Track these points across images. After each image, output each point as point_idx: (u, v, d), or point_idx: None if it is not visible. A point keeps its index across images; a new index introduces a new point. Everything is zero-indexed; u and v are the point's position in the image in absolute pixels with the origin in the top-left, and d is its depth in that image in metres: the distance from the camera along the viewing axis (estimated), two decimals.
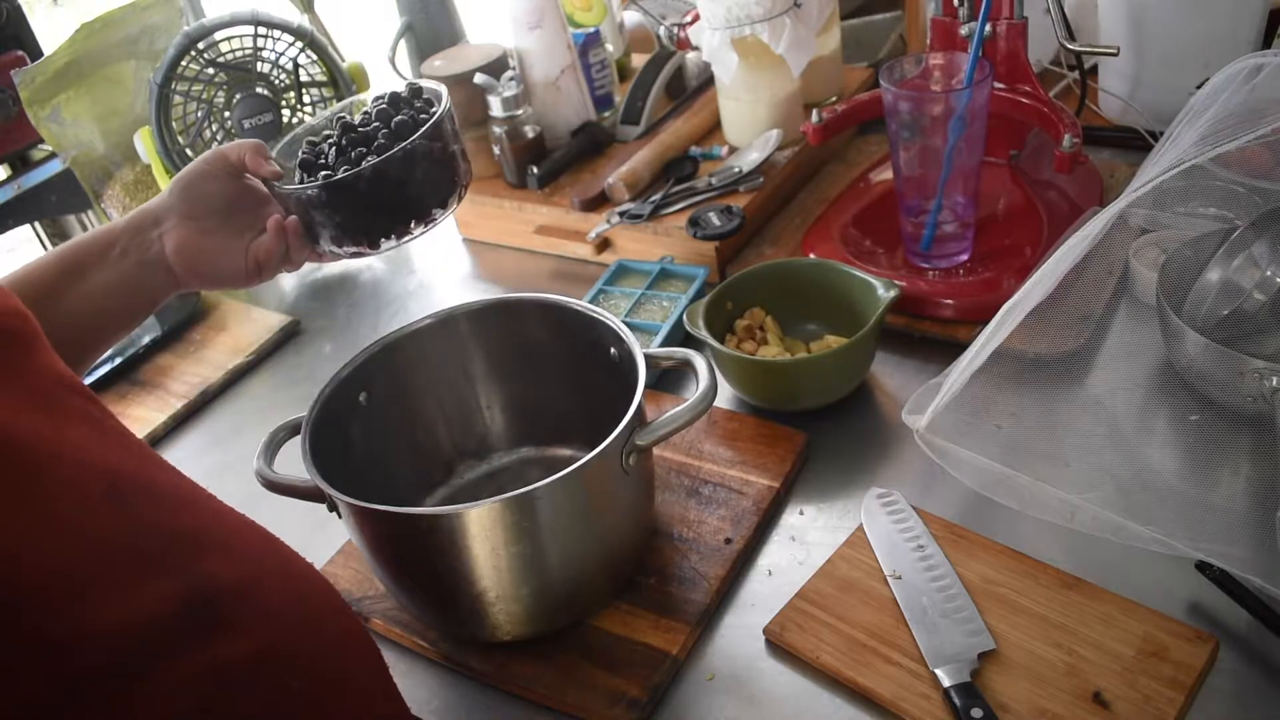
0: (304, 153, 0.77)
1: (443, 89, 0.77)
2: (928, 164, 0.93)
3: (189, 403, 1.09)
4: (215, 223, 0.74)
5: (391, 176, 0.72)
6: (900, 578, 0.72)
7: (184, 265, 0.73)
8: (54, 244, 2.17)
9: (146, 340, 1.19)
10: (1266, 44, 1.11)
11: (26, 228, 2.00)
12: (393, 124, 0.75)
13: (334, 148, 0.76)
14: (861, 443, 0.87)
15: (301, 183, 0.74)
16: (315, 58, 1.24)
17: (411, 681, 0.75)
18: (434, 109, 0.76)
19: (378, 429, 0.81)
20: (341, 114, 0.79)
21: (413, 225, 0.75)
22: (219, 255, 0.75)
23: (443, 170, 0.76)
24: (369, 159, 0.72)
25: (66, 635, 0.43)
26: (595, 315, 0.79)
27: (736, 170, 1.13)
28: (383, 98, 0.78)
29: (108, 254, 0.72)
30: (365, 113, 0.78)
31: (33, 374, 0.50)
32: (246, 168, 0.74)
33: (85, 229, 2.09)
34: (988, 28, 0.91)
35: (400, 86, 0.79)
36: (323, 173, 0.74)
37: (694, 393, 0.71)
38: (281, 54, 1.21)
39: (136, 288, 0.73)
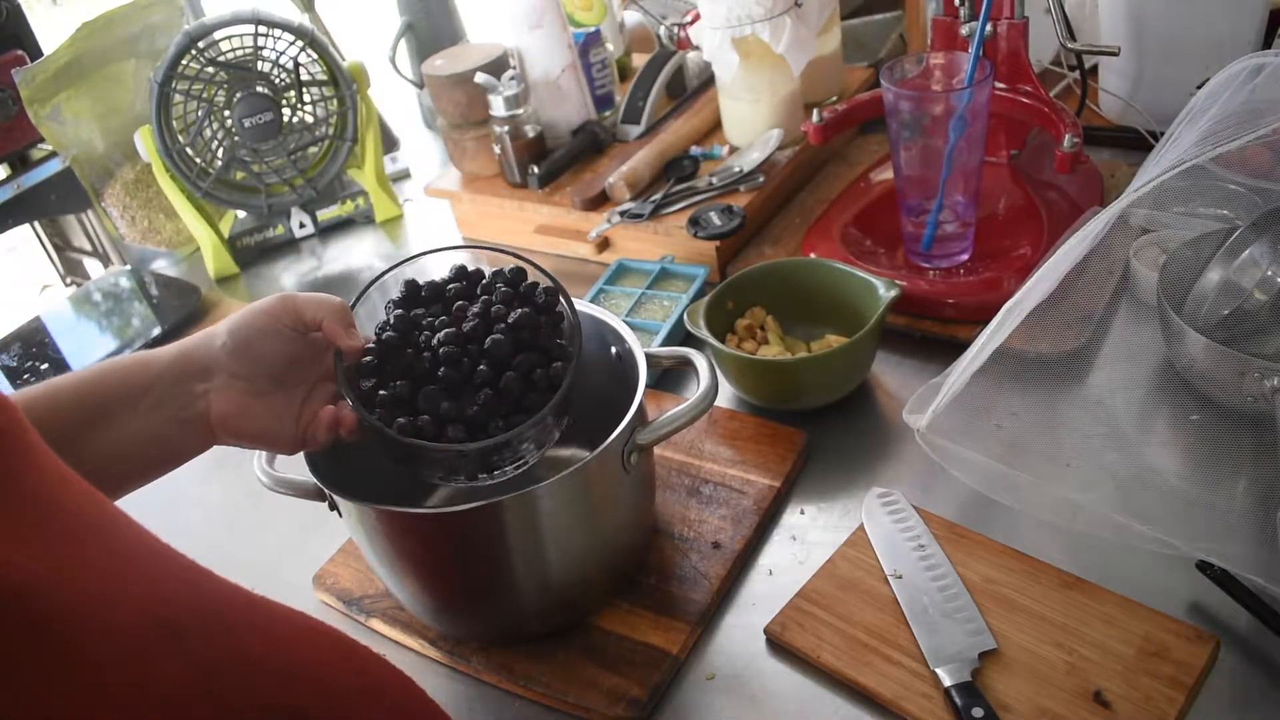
0: (387, 329, 0.68)
1: (564, 295, 0.69)
2: (928, 164, 0.93)
3: None
4: (268, 384, 0.65)
5: (498, 447, 0.65)
6: (901, 577, 0.72)
7: (227, 428, 0.64)
8: (54, 244, 2.17)
9: (154, 334, 1.19)
10: (1267, 44, 1.11)
11: (26, 227, 2.00)
12: (511, 372, 0.66)
13: (428, 350, 0.66)
14: (862, 442, 0.87)
15: (380, 399, 0.65)
16: (316, 57, 1.24)
17: None
18: (561, 335, 0.68)
19: None
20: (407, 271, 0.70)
21: (496, 473, 0.67)
22: (268, 420, 0.65)
23: (555, 417, 0.67)
24: (473, 406, 0.64)
25: None
26: (596, 315, 0.79)
27: (737, 170, 1.13)
28: (497, 279, 0.69)
29: (140, 400, 0.62)
30: (459, 289, 0.69)
31: (34, 488, 0.38)
32: (320, 331, 0.66)
33: (85, 229, 2.09)
34: (988, 27, 0.91)
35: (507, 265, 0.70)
36: (404, 422, 0.64)
37: (695, 392, 0.71)
38: (282, 53, 1.21)
39: (168, 444, 0.64)
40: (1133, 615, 0.66)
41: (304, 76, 1.24)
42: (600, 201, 1.16)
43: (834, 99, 1.26)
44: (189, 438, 0.64)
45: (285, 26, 1.19)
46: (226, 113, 1.21)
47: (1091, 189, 1.06)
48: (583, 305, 0.80)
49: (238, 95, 1.20)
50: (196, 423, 0.64)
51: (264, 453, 0.75)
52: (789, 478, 0.83)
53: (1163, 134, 0.79)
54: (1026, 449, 0.78)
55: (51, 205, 1.85)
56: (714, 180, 1.13)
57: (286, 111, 1.24)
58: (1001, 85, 0.98)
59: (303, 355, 0.67)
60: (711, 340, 0.89)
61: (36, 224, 2.08)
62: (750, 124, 1.18)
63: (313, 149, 1.30)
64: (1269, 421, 0.73)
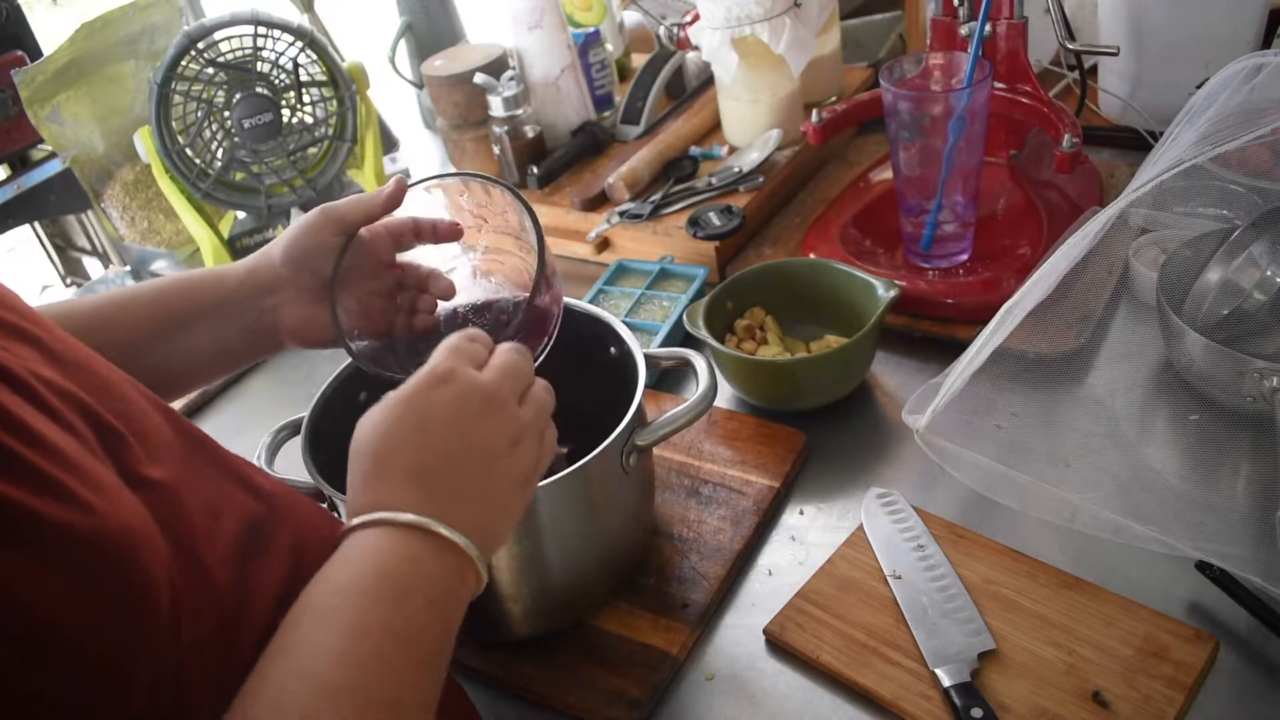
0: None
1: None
2: (928, 164, 0.93)
3: (189, 402, 1.09)
4: (327, 292, 0.69)
5: None
6: (900, 578, 0.72)
7: (296, 337, 0.70)
8: (54, 244, 2.17)
9: None
10: (1266, 44, 1.11)
11: (26, 227, 2.00)
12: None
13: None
14: (861, 443, 0.87)
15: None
16: (315, 57, 1.24)
17: None
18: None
19: None
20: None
21: None
22: (331, 325, 0.69)
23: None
24: None
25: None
26: (595, 315, 0.79)
27: (736, 170, 1.13)
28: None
29: (214, 313, 0.68)
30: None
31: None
32: (365, 222, 0.69)
33: (85, 229, 2.09)
34: (988, 27, 0.91)
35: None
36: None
37: (694, 393, 0.71)
38: (281, 54, 1.21)
39: (238, 352, 0.71)
40: (1132, 615, 0.66)
41: (303, 77, 1.23)
42: (600, 202, 1.16)
43: (833, 99, 1.26)
44: (259, 346, 0.71)
45: (284, 27, 1.19)
46: (226, 114, 1.21)
47: (1091, 189, 1.06)
48: (582, 305, 0.80)
49: (237, 96, 1.20)
50: (266, 334, 0.69)
51: (264, 453, 0.75)
52: (788, 478, 0.83)
53: (1162, 134, 0.79)
54: (1026, 449, 0.78)
55: (51, 205, 1.85)
56: (713, 180, 1.13)
57: (286, 112, 1.24)
58: (1001, 85, 0.98)
59: (354, 259, 0.69)
60: (711, 340, 0.89)
61: (37, 224, 2.08)
62: (749, 124, 1.18)
63: (312, 150, 1.30)
64: (1269, 421, 0.73)
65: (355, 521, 0.49)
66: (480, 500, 0.52)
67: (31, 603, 0.35)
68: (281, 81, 1.22)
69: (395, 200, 0.68)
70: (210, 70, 1.18)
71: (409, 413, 0.52)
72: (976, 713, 0.62)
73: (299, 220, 0.69)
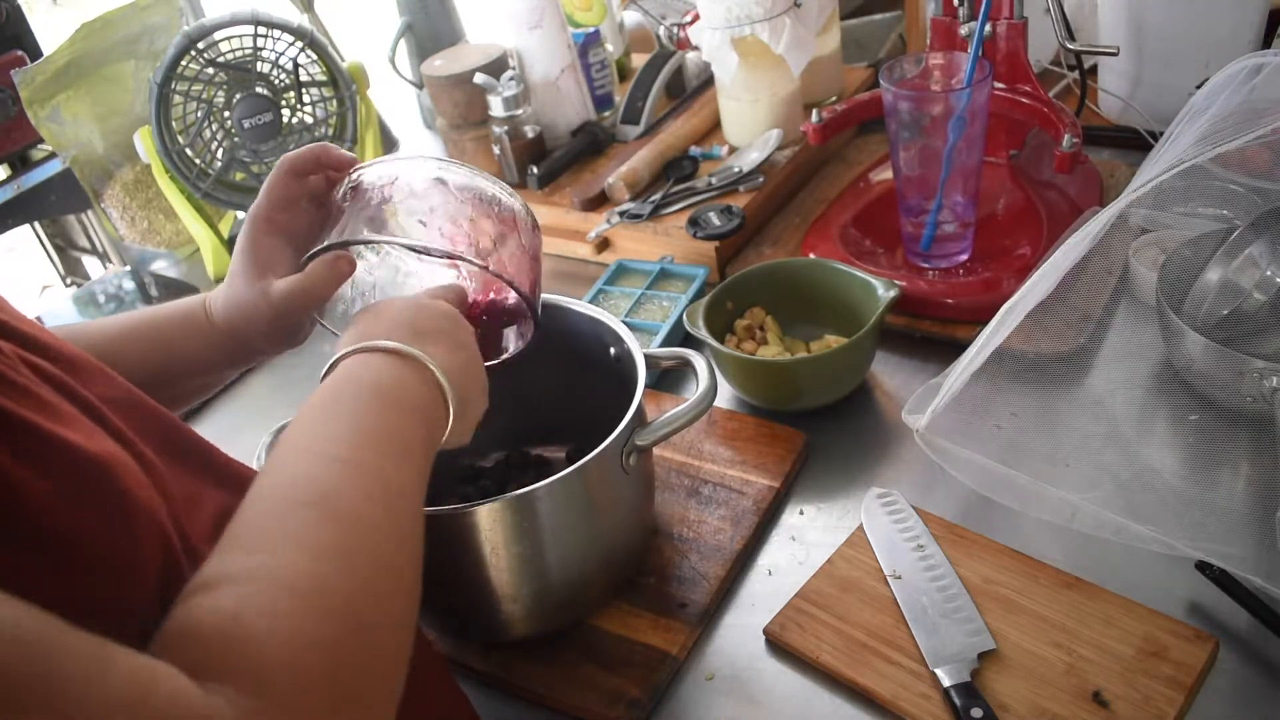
0: None
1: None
2: (927, 164, 0.93)
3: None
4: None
5: None
6: (900, 577, 0.72)
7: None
8: (54, 244, 2.17)
9: None
10: (1266, 44, 1.11)
11: (26, 227, 2.00)
12: None
13: None
14: (861, 443, 0.87)
15: None
16: (315, 57, 1.24)
17: None
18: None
19: None
20: None
21: None
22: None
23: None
24: None
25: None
26: (595, 315, 0.79)
27: (736, 170, 1.13)
28: None
29: (202, 372, 0.71)
30: None
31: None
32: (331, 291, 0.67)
33: (85, 229, 2.09)
34: (988, 27, 0.91)
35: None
36: None
37: (694, 393, 0.71)
38: (281, 54, 1.21)
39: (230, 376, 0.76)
40: (1132, 615, 0.66)
41: (303, 77, 1.23)
42: (600, 202, 1.16)
43: (833, 99, 1.26)
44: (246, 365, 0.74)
45: (284, 27, 1.19)
46: (226, 114, 1.21)
47: (1091, 189, 1.06)
48: (582, 306, 0.80)
49: (237, 96, 1.20)
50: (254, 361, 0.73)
51: (264, 453, 0.75)
52: (788, 478, 0.83)
53: (1162, 134, 0.79)
54: (1026, 449, 0.78)
55: (51, 205, 1.85)
56: (713, 180, 1.13)
57: (286, 112, 1.24)
58: (1000, 85, 0.98)
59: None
60: (711, 341, 0.89)
61: (37, 224, 2.08)
62: (749, 124, 1.18)
63: None
64: (1268, 421, 0.73)
65: (333, 358, 0.56)
66: (443, 342, 0.58)
67: (36, 506, 0.37)
68: (281, 81, 1.22)
69: (341, 278, 0.66)
70: (210, 70, 1.18)
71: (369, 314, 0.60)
72: (976, 713, 0.62)
73: (258, 294, 0.66)
